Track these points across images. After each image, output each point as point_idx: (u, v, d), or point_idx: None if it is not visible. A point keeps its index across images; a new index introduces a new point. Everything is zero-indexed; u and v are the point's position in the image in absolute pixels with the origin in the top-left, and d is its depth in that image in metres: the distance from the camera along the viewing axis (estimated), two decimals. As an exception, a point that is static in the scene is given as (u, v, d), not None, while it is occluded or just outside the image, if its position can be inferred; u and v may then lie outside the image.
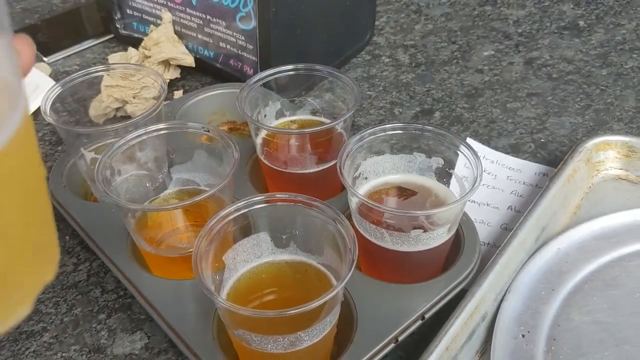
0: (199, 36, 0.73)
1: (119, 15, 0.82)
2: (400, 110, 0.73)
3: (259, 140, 0.56)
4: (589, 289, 0.51)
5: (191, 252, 0.49)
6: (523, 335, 0.47)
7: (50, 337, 0.51)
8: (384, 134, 0.49)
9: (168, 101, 0.72)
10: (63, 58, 0.84)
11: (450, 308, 0.47)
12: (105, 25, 0.86)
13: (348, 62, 0.80)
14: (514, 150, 0.66)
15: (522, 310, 0.49)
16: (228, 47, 0.72)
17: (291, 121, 0.60)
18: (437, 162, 0.50)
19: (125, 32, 0.83)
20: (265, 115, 0.59)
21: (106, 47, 0.86)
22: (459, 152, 0.48)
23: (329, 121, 0.58)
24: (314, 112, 0.60)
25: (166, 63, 0.74)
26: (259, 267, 0.46)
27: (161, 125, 0.52)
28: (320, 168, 0.55)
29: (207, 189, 0.53)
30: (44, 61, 0.83)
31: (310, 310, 0.38)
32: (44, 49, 0.85)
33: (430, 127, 0.49)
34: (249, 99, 0.56)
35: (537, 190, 0.61)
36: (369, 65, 0.80)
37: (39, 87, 0.73)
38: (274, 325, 0.40)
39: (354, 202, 0.47)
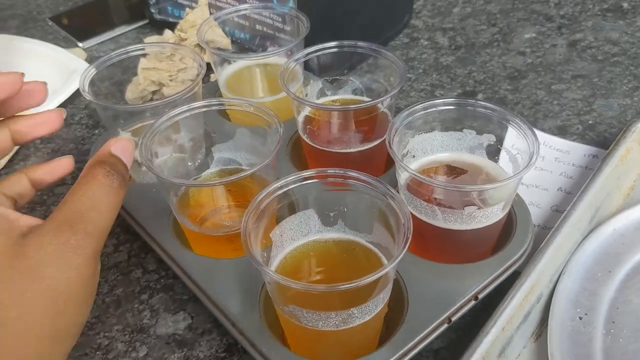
0: (234, 18, 0.72)
1: (153, 0, 0.81)
2: (442, 92, 0.71)
3: (301, 119, 0.54)
4: (648, 271, 0.48)
5: (235, 231, 0.49)
6: (580, 318, 0.45)
7: (92, 317, 0.50)
8: (434, 109, 0.48)
9: (205, 84, 0.71)
10: (98, 44, 0.84)
11: (502, 291, 0.45)
12: (140, 10, 0.85)
13: (386, 45, 0.79)
14: (560, 132, 0.64)
15: (578, 292, 0.47)
16: (265, 29, 0.71)
17: (332, 101, 0.59)
18: (488, 139, 0.48)
19: (160, 16, 0.82)
20: (306, 95, 0.58)
21: (140, 33, 0.85)
22: (512, 127, 0.47)
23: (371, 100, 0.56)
24: (355, 92, 0.59)
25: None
26: (306, 245, 0.45)
27: (203, 102, 0.51)
28: (364, 147, 0.54)
29: (249, 168, 0.52)
30: (79, 46, 0.83)
31: (363, 287, 0.36)
32: (79, 34, 0.85)
33: (482, 102, 0.47)
34: (291, 77, 0.55)
35: (587, 172, 0.59)
36: (407, 47, 0.78)
37: (76, 71, 0.73)
38: (326, 301, 0.39)
39: (403, 178, 0.46)
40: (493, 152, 0.49)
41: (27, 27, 0.89)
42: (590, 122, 0.65)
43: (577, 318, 0.45)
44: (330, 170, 0.43)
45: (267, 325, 0.44)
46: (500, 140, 0.49)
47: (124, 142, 0.43)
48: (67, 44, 0.83)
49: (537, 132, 0.63)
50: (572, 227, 0.49)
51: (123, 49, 0.59)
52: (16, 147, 0.65)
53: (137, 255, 0.55)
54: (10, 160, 0.66)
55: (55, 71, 0.76)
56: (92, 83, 0.56)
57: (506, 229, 0.49)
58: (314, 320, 0.39)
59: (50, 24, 0.89)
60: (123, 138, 0.44)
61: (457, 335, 0.47)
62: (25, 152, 0.67)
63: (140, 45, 0.61)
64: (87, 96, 0.53)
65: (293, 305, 0.38)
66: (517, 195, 0.50)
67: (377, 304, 0.40)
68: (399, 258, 0.37)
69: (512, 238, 0.48)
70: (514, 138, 0.47)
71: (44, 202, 0.61)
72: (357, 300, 0.38)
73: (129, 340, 0.48)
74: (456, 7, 0.86)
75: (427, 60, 0.76)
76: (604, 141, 0.62)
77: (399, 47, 0.79)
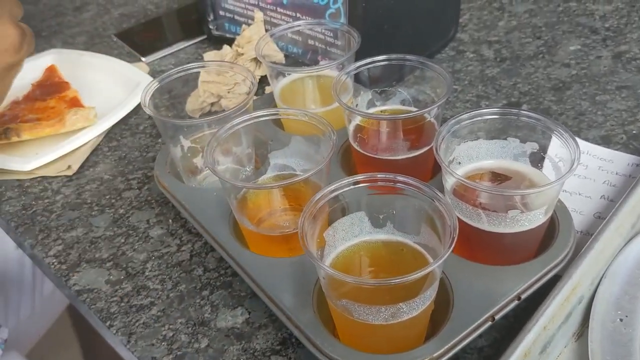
0: (289, 34, 0.76)
1: (212, 17, 0.86)
2: (487, 103, 0.73)
3: (352, 127, 0.58)
4: (690, 276, 0.50)
5: (290, 231, 0.52)
6: (621, 320, 0.47)
7: (157, 310, 0.54)
8: (480, 118, 0.50)
9: (259, 96, 0.75)
10: (159, 58, 0.89)
11: (544, 293, 0.47)
12: (198, 27, 0.90)
13: (432, 58, 0.81)
14: (604, 141, 0.66)
15: (619, 295, 0.49)
16: (316, 44, 0.75)
17: (381, 111, 0.62)
18: (531, 147, 0.51)
19: (218, 32, 0.87)
20: (357, 105, 0.62)
21: (199, 48, 0.90)
22: (554, 136, 0.49)
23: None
24: (403, 103, 0.62)
25: (258, 60, 0.77)
26: (356, 245, 0.48)
27: (261, 112, 0.55)
28: (411, 155, 0.57)
29: (302, 174, 0.56)
30: (142, 61, 0.88)
31: (411, 283, 0.39)
32: (142, 50, 0.90)
33: (526, 112, 0.50)
34: (343, 89, 0.58)
35: (630, 180, 0.60)
36: (453, 60, 0.81)
37: (140, 84, 0.78)
38: (376, 296, 0.42)
39: (449, 183, 0.49)
40: (537, 160, 0.51)
41: (94, 43, 0.95)
42: (634, 131, 0.67)
43: (618, 320, 0.47)
44: (380, 175, 0.46)
45: (321, 320, 0.47)
46: (543, 149, 0.51)
47: None
48: (131, 59, 0.89)
49: (580, 141, 0.65)
50: (614, 232, 0.51)
51: (182, 67, 0.63)
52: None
53: (198, 254, 0.59)
54: (81, 166, 0.71)
55: (120, 84, 0.81)
56: (154, 96, 0.61)
57: (549, 233, 0.51)
58: (365, 314, 0.42)
59: (115, 40, 0.95)
60: None
61: (501, 334, 0.49)
62: (94, 159, 0.72)
63: (197, 63, 0.65)
64: (148, 111, 0.58)
65: (346, 299, 0.42)
66: (560, 201, 0.52)
67: (425, 301, 0.42)
68: (446, 256, 0.40)
69: (554, 242, 0.50)
70: (558, 147, 0.49)
71: (112, 204, 0.66)
72: (406, 296, 0.41)
73: (192, 332, 0.52)
74: (502, 20, 0.89)
75: (473, 72, 0.78)
76: (648, 150, 0.63)
77: (445, 60, 0.81)
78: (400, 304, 0.41)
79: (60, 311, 1.12)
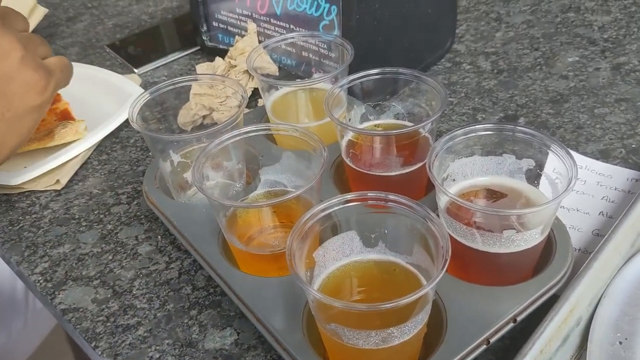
0: (282, 45, 0.75)
1: (205, 28, 0.85)
2: (483, 116, 0.72)
3: (344, 143, 0.56)
4: (691, 297, 0.48)
5: (280, 250, 0.51)
6: (620, 342, 0.46)
7: (144, 331, 0.53)
8: (474, 134, 0.49)
9: (252, 109, 0.74)
10: (152, 70, 0.88)
11: (540, 314, 0.46)
12: (191, 38, 0.89)
13: (428, 70, 0.80)
14: (603, 155, 0.64)
15: (618, 317, 0.47)
16: (310, 55, 0.74)
17: (375, 125, 0.61)
18: (527, 163, 0.49)
19: (211, 43, 0.86)
20: (350, 119, 0.60)
21: (192, 59, 0.89)
22: (551, 152, 0.47)
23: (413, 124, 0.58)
24: (397, 117, 0.61)
25: (251, 72, 0.76)
26: (347, 265, 0.47)
27: (252, 127, 0.54)
28: (405, 171, 0.55)
29: (293, 190, 0.54)
30: (134, 72, 0.87)
31: (402, 307, 0.38)
32: (134, 61, 0.89)
33: (521, 128, 0.48)
34: (336, 103, 0.57)
35: (629, 196, 0.59)
36: (449, 72, 0.80)
37: (132, 96, 0.77)
38: (366, 320, 0.41)
39: (443, 202, 0.47)
40: (533, 177, 0.50)
41: (86, 54, 0.94)
42: (633, 145, 0.65)
43: (617, 342, 0.46)
44: (371, 194, 0.45)
45: (310, 343, 0.45)
46: (540, 165, 0.49)
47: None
48: (123, 70, 0.88)
49: (578, 156, 0.64)
50: (613, 251, 0.49)
51: (171, 80, 0.62)
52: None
53: (187, 272, 0.57)
54: (70, 180, 0.70)
55: (112, 96, 0.80)
56: (142, 110, 0.59)
57: (546, 252, 0.50)
58: (355, 338, 0.40)
59: (108, 51, 0.94)
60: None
61: (497, 357, 0.48)
62: (84, 173, 0.71)
63: (188, 77, 0.64)
64: (135, 126, 0.56)
65: (335, 323, 0.40)
66: (557, 219, 0.51)
67: (416, 324, 0.41)
68: (438, 279, 0.39)
69: (551, 261, 0.49)
70: (555, 163, 0.48)
71: (101, 220, 0.64)
72: (397, 320, 0.40)
73: (179, 354, 0.51)
74: (499, 31, 0.88)
75: (469, 84, 0.77)
76: (648, 165, 0.62)
77: (442, 72, 0.80)
78: (391, 328, 0.40)
79: (53, 324, 1.10)
